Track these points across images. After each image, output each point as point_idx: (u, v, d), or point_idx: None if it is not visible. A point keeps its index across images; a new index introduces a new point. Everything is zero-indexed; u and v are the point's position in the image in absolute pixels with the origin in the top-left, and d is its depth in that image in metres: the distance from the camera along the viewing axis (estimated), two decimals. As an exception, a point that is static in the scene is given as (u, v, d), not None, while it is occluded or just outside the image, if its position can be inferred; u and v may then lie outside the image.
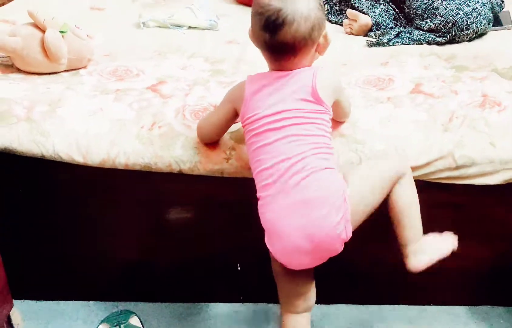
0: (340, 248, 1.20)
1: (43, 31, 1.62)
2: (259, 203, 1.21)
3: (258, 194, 1.21)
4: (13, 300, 1.45)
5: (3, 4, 2.37)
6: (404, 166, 1.30)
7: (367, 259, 1.55)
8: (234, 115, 1.31)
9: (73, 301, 1.62)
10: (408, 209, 1.28)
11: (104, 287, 1.62)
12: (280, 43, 1.16)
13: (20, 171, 1.44)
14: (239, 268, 1.57)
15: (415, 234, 1.29)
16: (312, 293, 1.30)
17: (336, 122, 1.42)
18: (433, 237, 1.31)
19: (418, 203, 1.30)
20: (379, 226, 1.48)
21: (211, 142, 1.38)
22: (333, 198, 1.15)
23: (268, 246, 1.21)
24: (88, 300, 1.63)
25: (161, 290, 1.62)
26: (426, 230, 1.48)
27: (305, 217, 1.14)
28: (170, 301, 1.63)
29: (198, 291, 1.62)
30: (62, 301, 1.62)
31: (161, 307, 1.61)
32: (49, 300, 1.62)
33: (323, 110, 1.20)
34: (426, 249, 1.28)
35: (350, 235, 1.19)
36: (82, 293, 1.62)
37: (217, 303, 1.62)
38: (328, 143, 1.21)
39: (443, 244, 1.30)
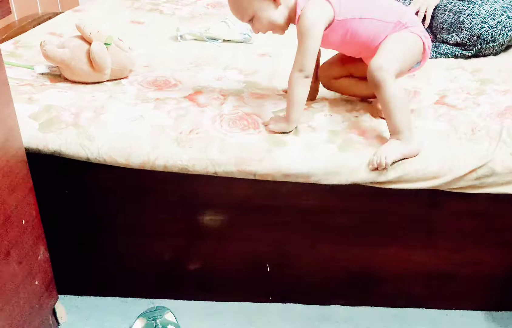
0: None
1: (89, 43, 1.73)
2: None
3: None
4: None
5: (49, 18, 2.50)
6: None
7: (390, 262, 1.60)
8: None
9: (112, 297, 1.70)
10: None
11: (141, 284, 1.70)
12: None
13: (66, 173, 1.53)
14: (268, 269, 1.63)
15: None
16: None
17: None
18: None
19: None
20: (402, 231, 1.55)
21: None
22: None
23: None
24: (126, 296, 1.70)
25: (194, 288, 1.70)
26: (449, 238, 1.56)
27: None
28: (203, 299, 1.69)
29: (229, 290, 1.69)
30: (102, 297, 1.70)
31: (194, 304, 1.68)
32: (90, 295, 1.70)
33: None
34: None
35: None
36: (121, 290, 1.71)
37: (247, 303, 1.68)
38: None
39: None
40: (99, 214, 1.60)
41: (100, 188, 1.56)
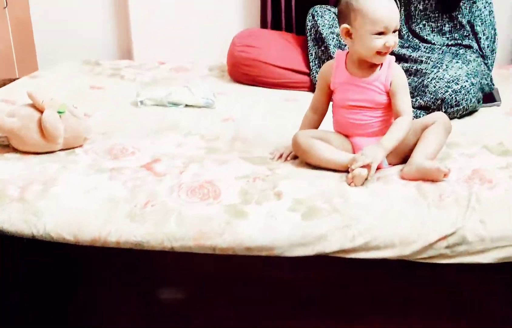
0: None
1: (41, 112, 1.66)
2: None
3: None
4: None
5: (4, 84, 2.43)
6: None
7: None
8: None
9: None
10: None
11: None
12: None
13: (10, 250, 1.44)
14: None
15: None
16: None
17: None
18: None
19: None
20: (377, 303, 1.48)
21: None
22: None
23: None
24: None
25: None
26: (419, 308, 1.48)
27: None
28: None
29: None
30: None
31: None
32: None
33: None
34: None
35: None
36: None
37: None
38: None
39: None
40: (48, 297, 1.50)
41: (48, 267, 1.47)
